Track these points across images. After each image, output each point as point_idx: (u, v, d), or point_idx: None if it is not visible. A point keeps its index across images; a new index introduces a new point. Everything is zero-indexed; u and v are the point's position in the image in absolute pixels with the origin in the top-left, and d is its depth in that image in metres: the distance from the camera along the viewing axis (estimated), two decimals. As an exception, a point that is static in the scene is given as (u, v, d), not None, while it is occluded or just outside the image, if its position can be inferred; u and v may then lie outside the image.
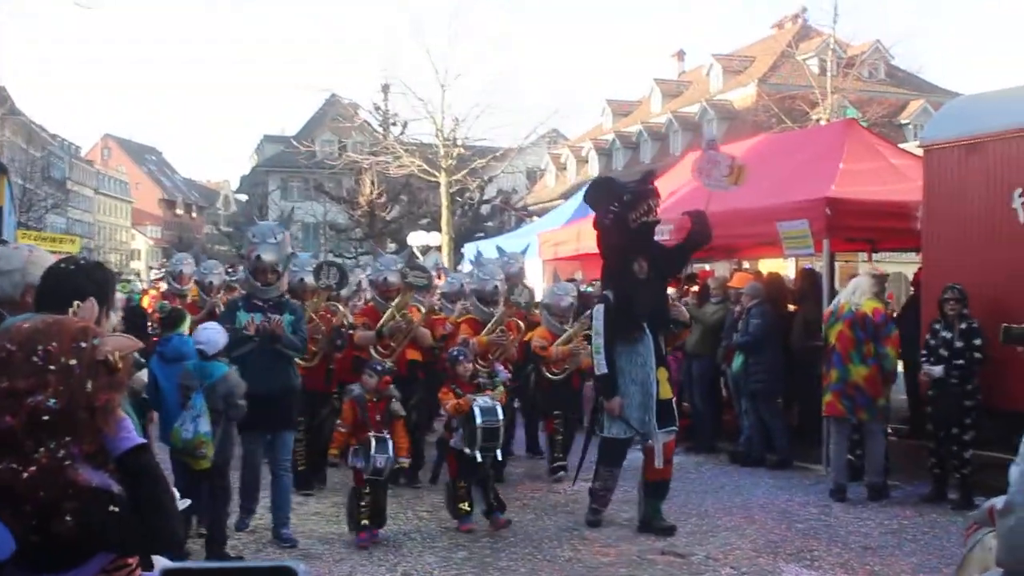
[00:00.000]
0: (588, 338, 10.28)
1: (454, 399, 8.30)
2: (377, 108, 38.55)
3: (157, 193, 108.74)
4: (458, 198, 36.33)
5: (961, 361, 8.99)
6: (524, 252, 11.61)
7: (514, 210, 44.40)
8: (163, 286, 16.38)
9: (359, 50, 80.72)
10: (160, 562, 2.45)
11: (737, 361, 11.27)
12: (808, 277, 11.93)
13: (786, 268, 15.63)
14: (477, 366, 9.09)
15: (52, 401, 2.28)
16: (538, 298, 12.10)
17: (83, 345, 2.38)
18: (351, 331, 9.85)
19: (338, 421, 8.12)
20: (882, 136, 16.60)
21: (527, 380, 11.02)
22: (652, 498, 8.34)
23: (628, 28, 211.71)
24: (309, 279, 10.01)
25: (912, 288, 11.33)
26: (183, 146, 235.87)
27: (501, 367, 9.46)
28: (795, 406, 11.95)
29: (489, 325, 10.24)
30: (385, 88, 37.48)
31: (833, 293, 11.31)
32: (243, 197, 70.13)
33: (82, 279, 3.34)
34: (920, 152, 10.91)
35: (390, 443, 7.80)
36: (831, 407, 9.53)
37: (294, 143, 42.67)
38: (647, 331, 8.19)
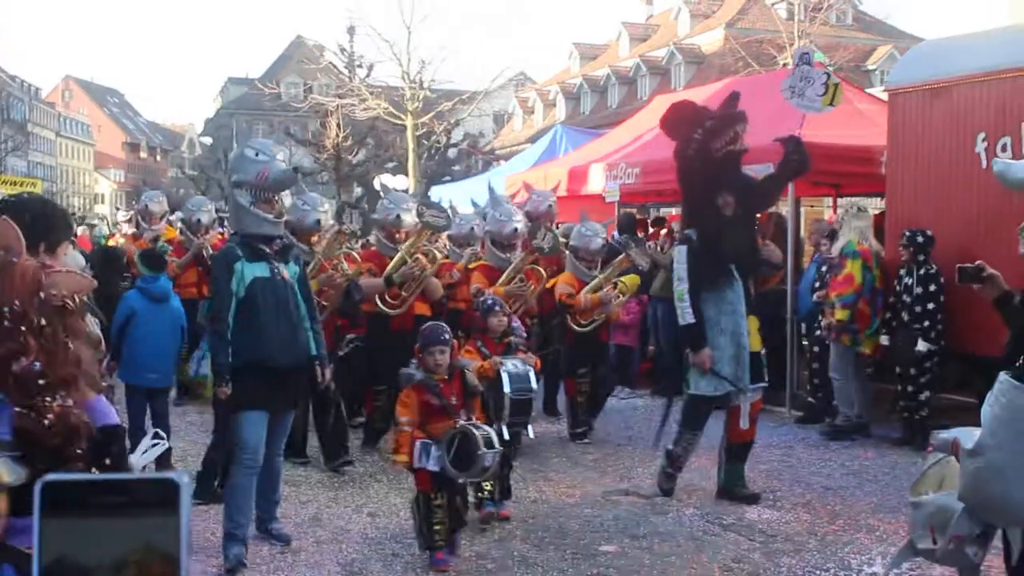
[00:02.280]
0: (618, 286, 9.57)
1: (480, 359, 6.89)
2: (343, 50, 38.15)
3: (120, 136, 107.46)
4: (425, 141, 36.10)
5: (919, 307, 9.07)
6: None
7: (481, 154, 44.20)
8: (125, 228, 15.81)
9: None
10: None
11: None
12: (774, 221, 11.96)
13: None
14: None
15: (37, 365, 2.25)
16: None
17: (42, 296, 2.34)
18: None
19: (399, 419, 6.08)
20: (848, 81, 16.59)
21: (552, 334, 9.81)
22: (735, 461, 7.63)
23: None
24: (324, 220, 8.62)
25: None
26: (146, 88, 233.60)
27: (518, 323, 8.02)
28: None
29: (507, 272, 9.12)
30: (351, 30, 37.09)
31: (798, 237, 11.36)
32: (208, 140, 69.38)
33: (25, 216, 3.23)
34: (886, 97, 10.92)
35: (494, 433, 5.96)
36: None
37: (259, 85, 42.17)
38: (735, 275, 7.32)
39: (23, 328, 2.28)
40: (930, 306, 9.02)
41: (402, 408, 6.04)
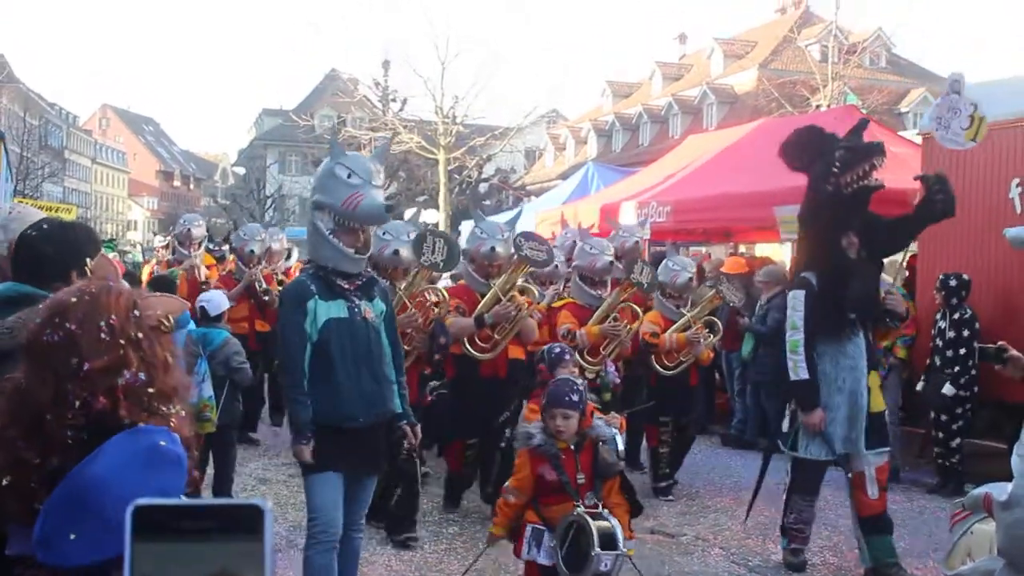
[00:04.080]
0: (709, 325, 8.89)
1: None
2: (377, 84, 38.45)
3: (155, 164, 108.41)
4: (456, 176, 36.27)
5: (950, 352, 8.99)
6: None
7: (512, 189, 44.29)
8: (162, 254, 15.54)
9: (360, 25, 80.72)
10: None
11: (747, 346, 11.06)
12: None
13: (782, 253, 15.63)
14: (586, 365, 7.03)
15: (142, 375, 2.30)
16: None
17: (137, 313, 2.39)
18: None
19: (507, 485, 5.10)
20: (882, 123, 16.58)
21: (640, 379, 8.99)
22: (876, 535, 6.62)
23: (631, 9, 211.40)
24: (406, 252, 7.26)
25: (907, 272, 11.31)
26: (182, 117, 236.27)
27: (612, 367, 7.51)
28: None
29: (600, 310, 8.26)
30: (385, 64, 37.44)
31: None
32: (241, 170, 69.96)
33: (48, 248, 3.30)
34: (919, 140, 10.90)
35: (618, 526, 4.77)
36: None
37: (293, 117, 42.52)
38: (857, 325, 6.56)
39: (122, 341, 2.36)
40: (962, 351, 8.93)
41: (514, 475, 5.05)
